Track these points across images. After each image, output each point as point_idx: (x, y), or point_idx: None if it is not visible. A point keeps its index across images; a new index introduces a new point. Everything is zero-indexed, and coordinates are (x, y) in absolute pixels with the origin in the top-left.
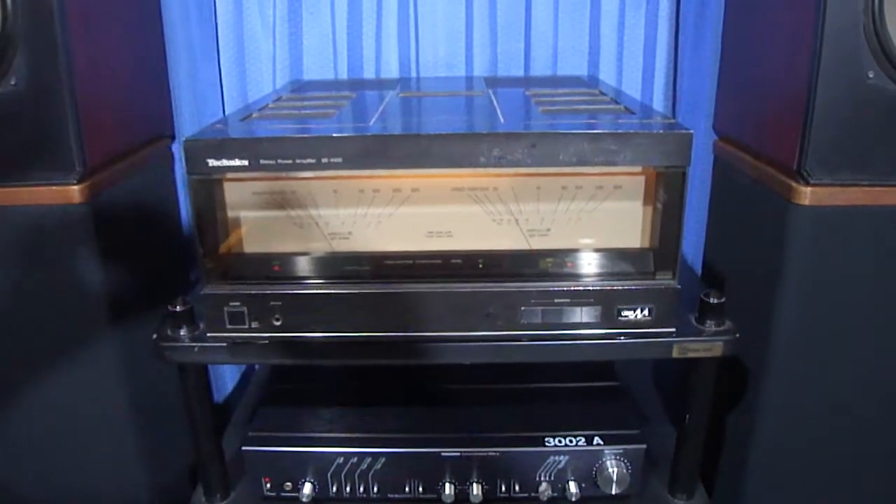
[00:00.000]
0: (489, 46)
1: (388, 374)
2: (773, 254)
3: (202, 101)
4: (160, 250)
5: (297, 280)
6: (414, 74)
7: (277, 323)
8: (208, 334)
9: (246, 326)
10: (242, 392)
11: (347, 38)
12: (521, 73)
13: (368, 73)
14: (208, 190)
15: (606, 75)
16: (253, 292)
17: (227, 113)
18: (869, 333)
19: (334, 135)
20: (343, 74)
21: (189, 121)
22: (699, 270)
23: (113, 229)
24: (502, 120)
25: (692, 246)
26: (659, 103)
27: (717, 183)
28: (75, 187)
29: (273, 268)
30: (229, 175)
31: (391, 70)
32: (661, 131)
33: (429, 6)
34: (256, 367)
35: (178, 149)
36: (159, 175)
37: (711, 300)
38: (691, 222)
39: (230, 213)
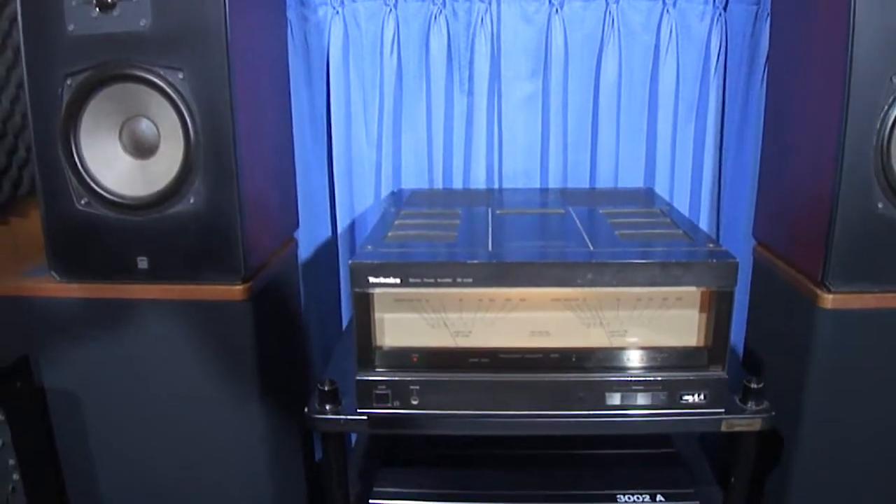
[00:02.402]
0: (561, 159)
1: (486, 442)
2: (802, 345)
3: (314, 204)
4: (287, 329)
5: (431, 369)
6: (496, 183)
7: (415, 402)
8: (359, 410)
9: (389, 405)
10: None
11: (443, 151)
12: (586, 182)
13: (457, 180)
14: (364, 299)
15: (661, 184)
16: (396, 378)
17: (337, 213)
18: (883, 411)
19: (468, 261)
20: (437, 181)
21: (304, 221)
22: (740, 351)
23: (261, 317)
24: (591, 247)
25: (734, 330)
26: (705, 209)
27: (756, 281)
28: (239, 287)
29: (412, 359)
30: (380, 290)
31: (478, 178)
32: (714, 261)
33: (510, 126)
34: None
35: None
36: (289, 268)
37: (753, 385)
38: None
39: (377, 316)
